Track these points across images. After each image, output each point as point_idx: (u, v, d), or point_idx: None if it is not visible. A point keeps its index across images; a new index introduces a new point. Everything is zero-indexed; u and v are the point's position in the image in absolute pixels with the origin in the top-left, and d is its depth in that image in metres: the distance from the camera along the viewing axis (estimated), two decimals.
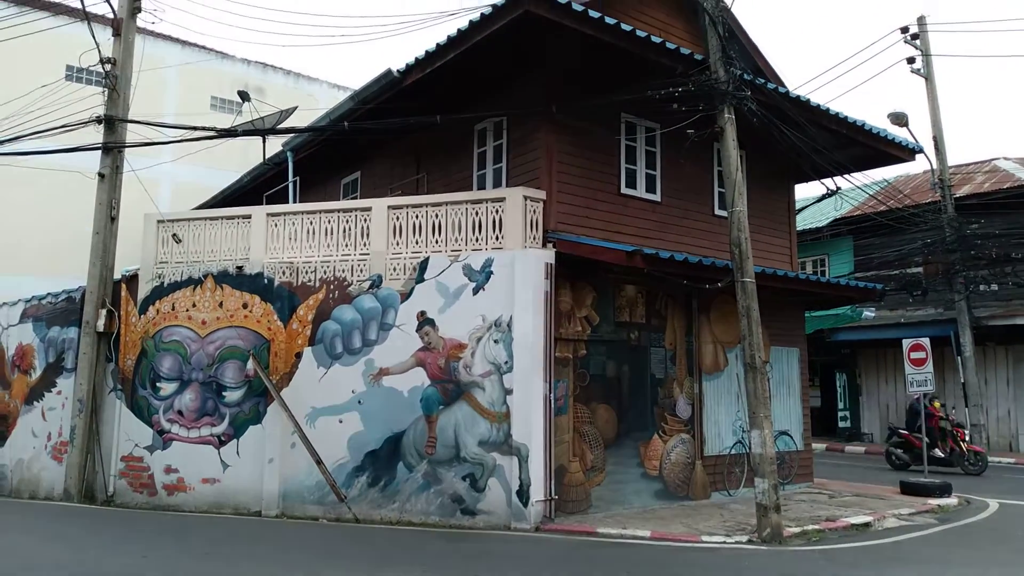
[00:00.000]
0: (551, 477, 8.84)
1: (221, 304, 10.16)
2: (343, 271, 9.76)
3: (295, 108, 13.18)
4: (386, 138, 11.46)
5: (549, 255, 9.27)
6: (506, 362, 8.92)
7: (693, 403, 10.83)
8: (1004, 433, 17.98)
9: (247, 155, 19.82)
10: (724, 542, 8.03)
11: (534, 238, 9.32)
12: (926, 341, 11.76)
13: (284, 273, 9.97)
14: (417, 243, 9.63)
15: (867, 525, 9.00)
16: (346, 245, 9.88)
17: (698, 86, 8.84)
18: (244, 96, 13.46)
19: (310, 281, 9.88)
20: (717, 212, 11.43)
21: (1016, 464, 16.02)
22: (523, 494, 8.63)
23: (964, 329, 17.31)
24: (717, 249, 10.90)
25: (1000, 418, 18.08)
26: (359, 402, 9.30)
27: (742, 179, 9.39)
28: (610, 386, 9.96)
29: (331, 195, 14.11)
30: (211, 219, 10.76)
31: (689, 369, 10.88)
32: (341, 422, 9.31)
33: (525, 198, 9.34)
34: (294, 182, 13.20)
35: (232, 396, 9.84)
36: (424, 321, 9.29)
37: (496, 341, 9.00)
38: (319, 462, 9.23)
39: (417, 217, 9.69)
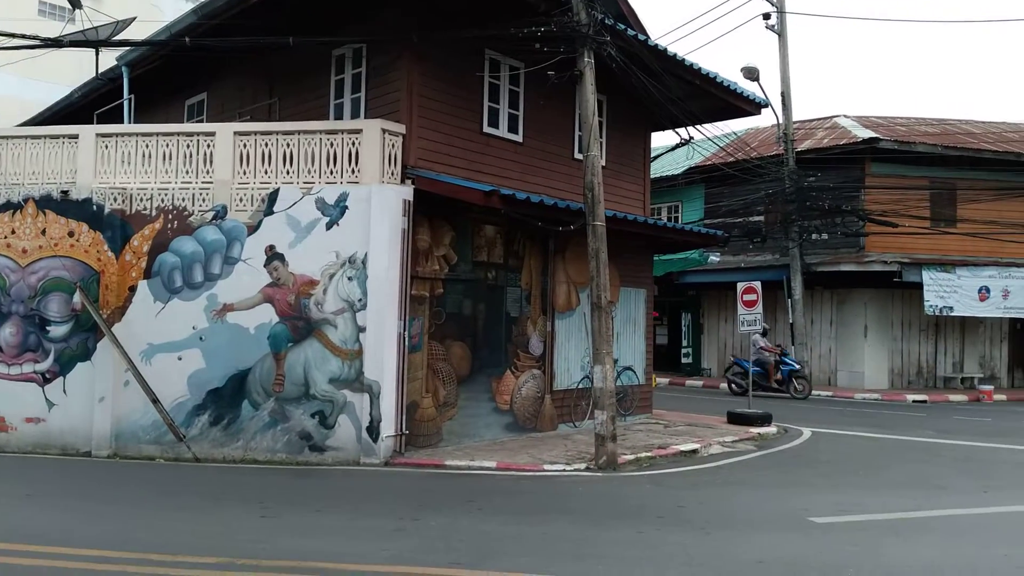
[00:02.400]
0: (403, 413, 8.94)
1: (44, 231, 9.29)
2: (183, 200, 9.16)
3: (133, 19, 12.00)
4: (235, 58, 10.69)
5: (407, 192, 9.13)
6: (360, 299, 8.81)
7: (545, 340, 11.21)
8: (825, 369, 19.97)
9: (81, 68, 17.93)
10: (564, 470, 8.49)
11: (392, 173, 9.13)
12: (757, 284, 12.71)
13: (116, 200, 9.23)
14: (267, 173, 9.17)
15: (695, 452, 9.81)
16: (187, 172, 9.25)
17: (560, 27, 8.85)
18: (75, 3, 12.08)
19: (146, 209, 9.21)
20: (576, 156, 11.65)
21: (833, 397, 17.90)
22: (373, 430, 8.68)
23: (795, 274, 18.88)
24: (575, 192, 11.15)
25: (822, 355, 20.05)
26: (200, 339, 8.90)
27: (599, 124, 9.62)
28: (466, 324, 10.10)
29: (173, 117, 13.09)
30: (33, 137, 9.73)
31: (543, 308, 11.21)
32: (181, 359, 8.90)
33: (384, 131, 9.09)
34: (130, 100, 12.11)
35: (57, 331, 9.12)
36: (273, 256, 8.95)
37: (350, 278, 8.84)
38: (155, 400, 8.82)
39: (267, 145, 9.20)
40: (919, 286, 18.21)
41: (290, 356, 8.85)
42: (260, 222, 9.02)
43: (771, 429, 11.80)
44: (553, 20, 8.88)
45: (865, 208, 18.83)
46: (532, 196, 9.64)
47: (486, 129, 10.38)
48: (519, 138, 10.86)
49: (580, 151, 11.51)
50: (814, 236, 19.42)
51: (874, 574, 4.99)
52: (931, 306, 18.26)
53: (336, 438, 8.77)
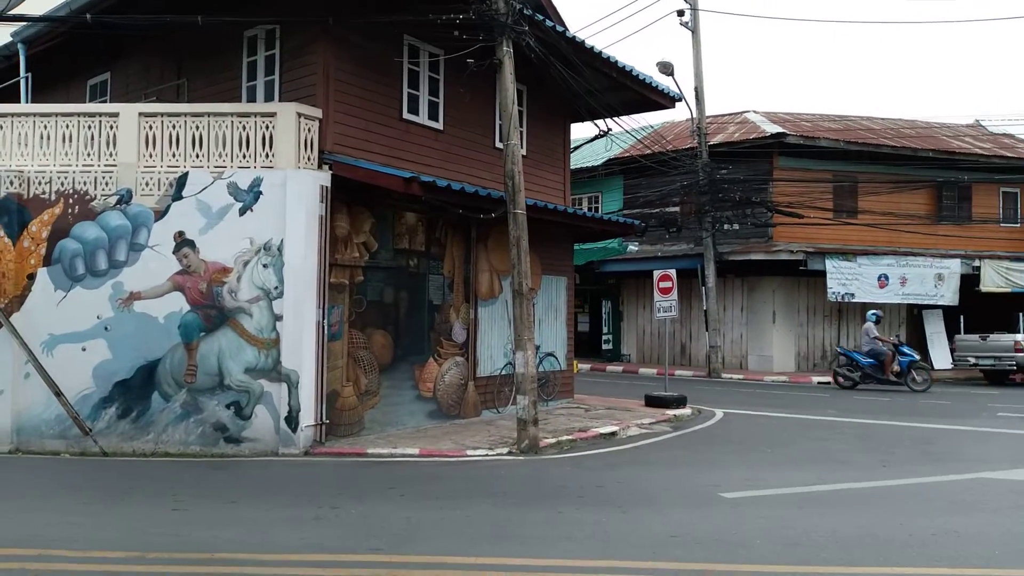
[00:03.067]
0: (323, 402, 8.80)
1: None
2: (85, 183, 8.71)
3: None
4: (141, 36, 10.19)
5: (325, 177, 8.96)
6: (276, 287, 8.60)
7: (468, 328, 11.23)
8: (736, 354, 20.79)
9: None
10: (487, 455, 8.56)
11: (309, 158, 8.94)
12: (673, 272, 13.11)
13: (12, 184, 8.68)
14: (175, 156, 8.81)
15: (613, 434, 10.06)
16: (88, 155, 8.79)
17: (479, 15, 8.85)
18: None
19: (44, 194, 8.71)
20: (498, 145, 11.67)
21: (744, 380, 18.66)
22: (292, 420, 8.51)
23: (709, 263, 19.55)
24: (496, 180, 11.18)
25: (734, 341, 20.86)
26: (106, 328, 8.50)
27: (519, 114, 9.68)
28: (387, 312, 10.01)
29: (75, 97, 12.38)
30: None
31: (466, 296, 11.23)
32: (85, 350, 8.48)
33: (299, 115, 8.88)
34: (26, 79, 11.38)
35: None
36: (183, 242, 8.63)
37: (265, 265, 8.62)
38: (58, 393, 8.37)
39: (175, 127, 8.84)
40: (823, 274, 19.19)
41: (203, 346, 8.56)
42: (168, 207, 8.67)
43: (686, 411, 12.21)
44: (472, 7, 8.86)
45: (773, 200, 19.65)
46: (453, 183, 9.62)
47: (406, 116, 10.29)
48: (439, 125, 10.81)
49: (501, 140, 11.56)
50: (726, 226, 20.14)
51: (779, 544, 5.26)
52: (834, 293, 19.26)
53: (253, 429, 8.55)
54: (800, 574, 4.63)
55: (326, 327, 8.88)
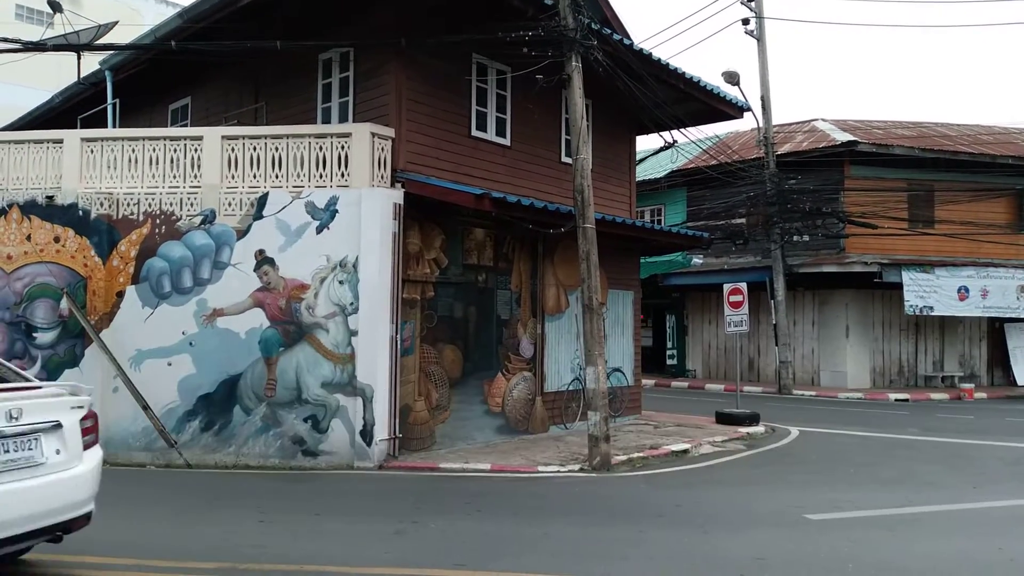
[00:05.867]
0: (396, 416, 8.91)
1: (29, 237, 9.14)
2: (171, 205, 9.08)
3: (116, 23, 11.93)
4: (221, 62, 10.61)
5: (397, 195, 9.12)
6: (351, 303, 8.77)
7: (536, 343, 11.23)
8: (808, 369, 20.19)
9: (61, 73, 17.69)
10: (558, 471, 8.51)
11: (382, 177, 9.12)
12: (743, 285, 12.84)
13: (102, 205, 9.11)
14: (255, 177, 9.11)
15: (685, 452, 9.87)
16: (174, 177, 9.16)
17: (547, 31, 8.90)
18: (55, 6, 11.95)
19: (133, 214, 9.11)
20: (563, 159, 11.69)
21: (816, 396, 18.10)
22: (367, 434, 8.64)
23: (778, 276, 19.08)
24: (562, 195, 11.19)
25: (804, 356, 20.27)
26: (190, 344, 8.81)
27: (587, 128, 9.66)
28: (457, 327, 10.09)
29: (157, 121, 12.96)
30: (16, 142, 9.57)
31: (533, 310, 11.23)
32: (170, 365, 8.80)
33: (373, 135, 9.08)
34: (114, 105, 11.98)
35: (44, 338, 8.98)
36: (263, 260, 8.89)
37: (341, 282, 8.80)
38: (145, 407, 8.70)
39: (255, 149, 9.15)
40: (899, 286, 18.48)
41: (281, 361, 8.79)
42: (249, 226, 8.95)
43: (759, 428, 11.90)
44: (540, 24, 8.93)
45: (845, 210, 19.09)
46: (523, 199, 9.67)
47: (474, 133, 10.40)
48: (507, 142, 10.89)
49: (567, 154, 11.57)
50: (795, 238, 19.64)
51: (872, 568, 5.05)
52: (911, 306, 18.53)
53: (329, 443, 8.71)
54: None
55: (399, 342, 9.00)
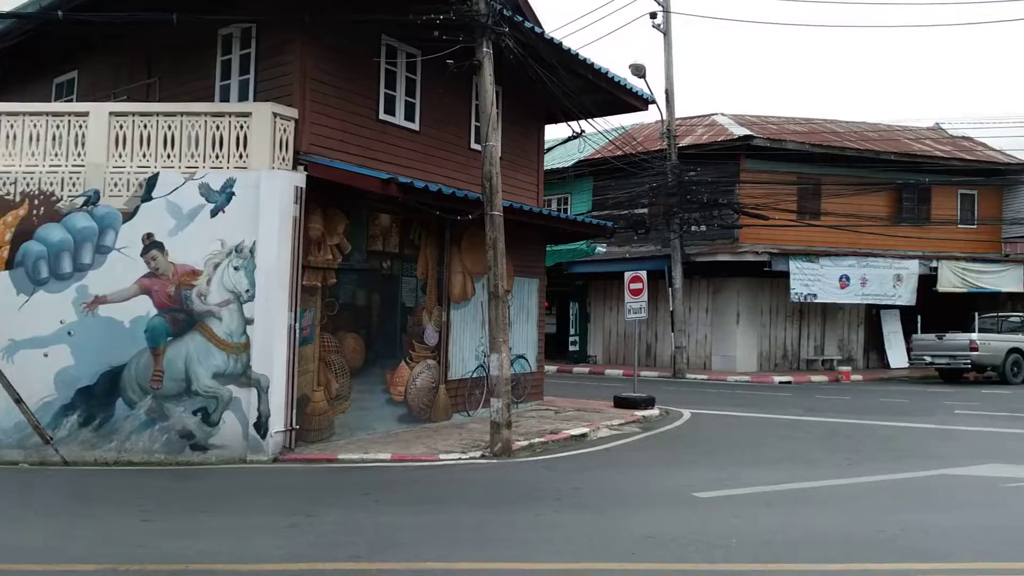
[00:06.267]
0: (293, 407, 8.70)
1: None
2: (51, 184, 8.48)
3: None
4: (111, 34, 9.96)
5: (300, 178, 8.86)
6: (247, 290, 8.48)
7: (441, 330, 11.21)
8: (701, 354, 21.08)
9: None
10: (459, 458, 8.56)
11: (283, 159, 8.83)
12: (643, 274, 13.24)
13: None
14: (145, 157, 8.64)
15: (584, 436, 10.13)
16: (55, 155, 8.56)
17: (459, 15, 8.82)
18: None
19: (9, 195, 8.47)
20: (473, 146, 11.66)
21: (709, 380, 18.93)
22: (261, 426, 8.40)
23: (676, 264, 19.79)
24: (471, 182, 11.17)
25: (699, 341, 21.14)
26: (69, 333, 8.29)
27: (497, 115, 9.67)
28: (359, 315, 9.94)
29: (39, 96, 12.02)
30: None
31: (438, 298, 11.20)
32: (47, 356, 8.25)
33: (274, 115, 8.77)
34: None
35: None
36: (151, 244, 8.46)
37: (236, 268, 8.49)
38: (18, 400, 8.15)
39: (146, 127, 8.66)
40: (786, 275, 19.57)
41: (170, 351, 8.40)
42: (137, 208, 8.49)
43: (654, 412, 12.35)
44: (452, 8, 8.83)
45: (739, 202, 19.97)
46: (431, 185, 9.59)
47: (382, 116, 10.22)
48: (416, 126, 10.77)
49: (477, 141, 11.54)
50: (693, 228, 20.41)
51: (755, 542, 5.35)
52: (796, 294, 19.65)
53: (221, 436, 8.41)
54: (778, 572, 4.73)
55: (298, 331, 8.78)
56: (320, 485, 7.45)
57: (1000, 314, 19.85)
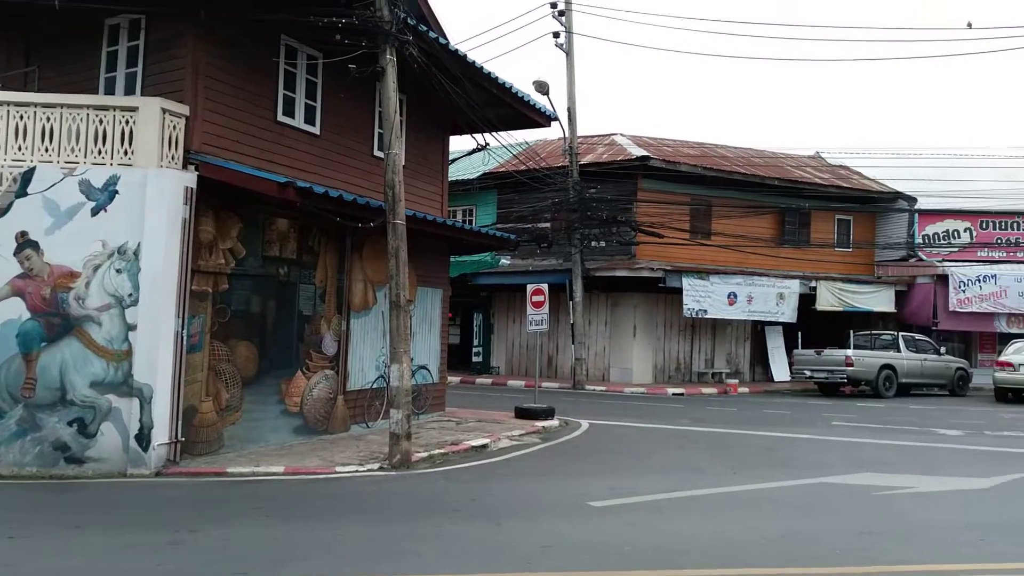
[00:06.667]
0: (178, 418, 8.26)
1: None
2: None
3: None
4: None
5: (190, 178, 8.46)
6: (130, 294, 8.00)
7: (340, 340, 10.95)
8: (600, 366, 21.57)
9: None
10: (357, 471, 8.38)
11: (173, 157, 8.42)
12: (545, 286, 13.45)
13: None
14: (21, 150, 8.03)
15: (485, 447, 10.14)
16: None
17: (362, 20, 8.72)
18: None
19: None
20: (376, 153, 11.51)
21: (606, 391, 19.37)
22: (143, 438, 7.92)
23: (577, 278, 20.21)
24: (373, 189, 11.00)
25: (597, 353, 21.63)
26: None
27: (400, 123, 9.60)
28: (253, 322, 9.57)
29: None
30: None
31: (338, 306, 10.94)
32: None
33: (164, 111, 8.35)
34: None
35: None
36: (25, 243, 7.86)
37: (119, 271, 8.00)
38: None
39: (22, 118, 8.06)
40: (679, 291, 20.36)
41: (43, 357, 7.81)
42: (10, 204, 7.87)
43: (554, 422, 12.51)
44: (355, 12, 8.72)
45: (637, 220, 20.66)
46: (331, 191, 9.38)
47: (280, 118, 9.92)
48: (316, 130, 10.52)
49: (380, 148, 11.40)
50: (593, 244, 20.93)
51: (646, 549, 5.50)
52: (689, 309, 20.48)
53: (99, 448, 7.88)
54: None
55: (185, 338, 8.35)
56: (206, 500, 7.10)
57: (873, 332, 21.37)
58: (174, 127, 8.44)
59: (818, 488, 7.95)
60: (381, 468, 8.51)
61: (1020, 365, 17.92)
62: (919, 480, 8.26)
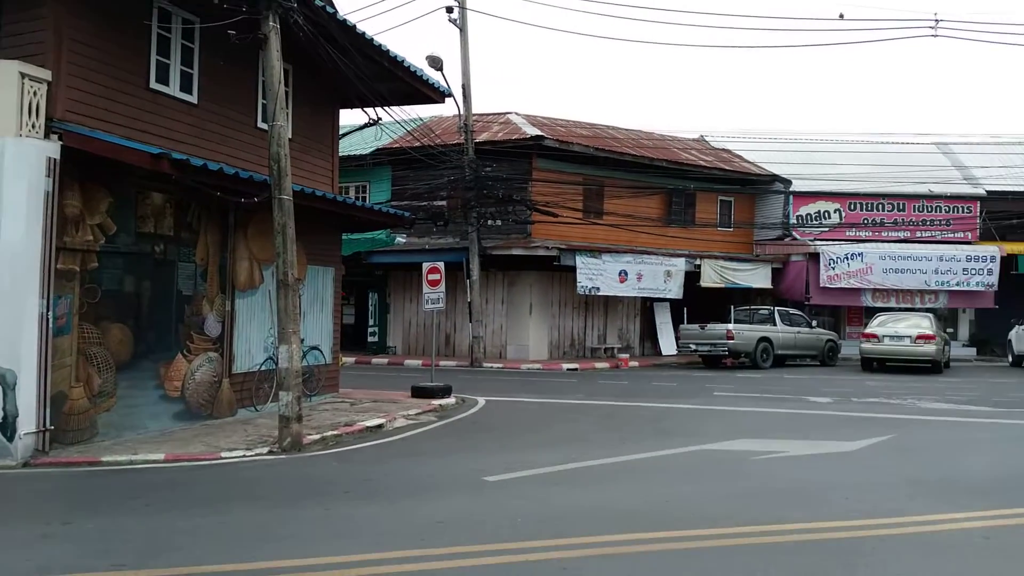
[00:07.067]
0: (46, 405, 7.69)
1: None
2: None
3: None
4: None
5: (53, 148, 7.82)
6: None
7: (224, 320, 10.49)
8: (497, 343, 21.73)
9: None
10: (244, 456, 8.10)
11: (33, 126, 7.73)
12: (441, 265, 13.36)
13: None
14: None
15: (380, 427, 10.02)
16: None
17: None
18: None
19: None
20: (260, 125, 11.00)
21: (504, 368, 19.57)
22: (7, 427, 7.35)
23: (474, 257, 20.21)
24: (258, 163, 10.52)
25: (495, 331, 21.79)
26: None
27: (285, 94, 9.22)
28: (127, 303, 9.00)
29: None
30: None
31: (221, 286, 10.46)
32: None
33: (22, 75, 7.64)
34: None
35: None
36: None
37: None
38: None
39: None
40: (573, 269, 20.78)
41: None
42: None
43: (451, 400, 12.52)
44: None
45: (532, 199, 20.85)
46: (210, 163, 8.91)
47: (154, 85, 9.30)
48: (194, 99, 9.94)
49: (264, 120, 10.92)
50: (490, 222, 20.97)
51: (538, 520, 5.61)
52: (582, 287, 20.96)
53: None
54: (555, 546, 4.98)
55: (51, 320, 7.76)
56: (80, 490, 6.67)
57: (752, 307, 22.59)
58: (35, 93, 7.75)
59: (700, 455, 8.36)
60: (271, 452, 8.26)
61: (884, 336, 19.42)
62: (792, 445, 8.83)
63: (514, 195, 20.74)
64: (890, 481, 7.02)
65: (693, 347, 20.66)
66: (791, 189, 25.10)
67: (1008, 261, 24.00)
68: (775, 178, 25.31)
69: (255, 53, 9.93)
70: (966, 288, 23.95)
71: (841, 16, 20.22)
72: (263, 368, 11.07)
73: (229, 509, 6.05)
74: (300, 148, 11.74)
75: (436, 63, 17.66)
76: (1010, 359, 21.62)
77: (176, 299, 9.71)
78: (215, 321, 10.32)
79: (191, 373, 9.90)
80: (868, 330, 20.16)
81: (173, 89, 9.60)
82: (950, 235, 24.80)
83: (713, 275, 23.38)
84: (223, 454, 8.08)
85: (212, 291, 10.28)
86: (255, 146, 10.75)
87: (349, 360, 19.48)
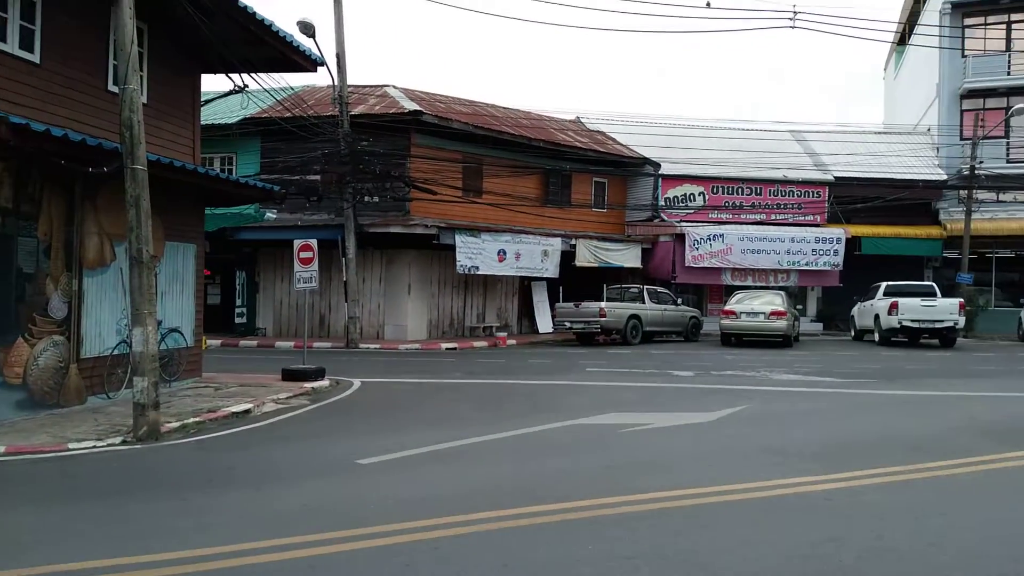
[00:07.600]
0: None
1: None
2: None
3: None
4: None
5: None
6: None
7: (71, 301, 9.67)
8: (374, 324, 21.38)
9: None
10: (95, 446, 7.54)
11: None
12: (314, 242, 12.92)
13: None
14: None
15: (247, 412, 9.60)
16: None
17: None
18: None
19: None
20: (111, 88, 10.16)
21: (381, 349, 19.27)
22: None
23: (350, 234, 19.70)
24: (109, 130, 9.71)
25: (372, 311, 21.41)
26: None
27: (139, 55, 8.53)
28: None
29: None
30: None
31: (68, 263, 9.63)
32: None
33: None
34: None
35: None
36: None
37: None
38: None
39: None
40: (453, 248, 20.71)
41: None
42: None
43: (325, 383, 12.19)
44: None
45: (410, 175, 20.54)
46: (53, 129, 8.12)
47: None
48: (36, 58, 9.02)
49: (116, 83, 10.09)
50: (367, 199, 20.49)
51: (408, 502, 5.55)
52: (461, 266, 20.94)
53: None
54: (424, 527, 4.95)
55: None
56: None
57: (623, 286, 23.45)
58: None
59: (572, 429, 8.59)
60: (124, 442, 7.73)
61: (741, 313, 20.71)
62: (656, 417, 9.25)
63: (392, 171, 20.35)
64: (742, 449, 7.50)
65: (568, 325, 21.20)
66: (660, 172, 26.15)
67: (852, 243, 26.19)
68: (646, 161, 26.27)
69: (106, 9, 9.12)
70: (815, 268, 25.96)
71: (708, 4, 21.15)
72: (116, 352, 10.31)
73: (75, 504, 5.61)
74: (156, 115, 10.96)
75: (308, 29, 16.96)
76: (852, 333, 23.69)
77: (16, 277, 8.85)
78: (60, 301, 9.50)
79: (34, 358, 9.08)
80: (727, 307, 21.44)
81: (11, 47, 8.68)
82: (801, 218, 26.72)
83: (588, 255, 24.03)
84: (71, 445, 7.48)
85: (57, 269, 9.44)
86: (106, 111, 9.91)
87: (214, 343, 18.57)
